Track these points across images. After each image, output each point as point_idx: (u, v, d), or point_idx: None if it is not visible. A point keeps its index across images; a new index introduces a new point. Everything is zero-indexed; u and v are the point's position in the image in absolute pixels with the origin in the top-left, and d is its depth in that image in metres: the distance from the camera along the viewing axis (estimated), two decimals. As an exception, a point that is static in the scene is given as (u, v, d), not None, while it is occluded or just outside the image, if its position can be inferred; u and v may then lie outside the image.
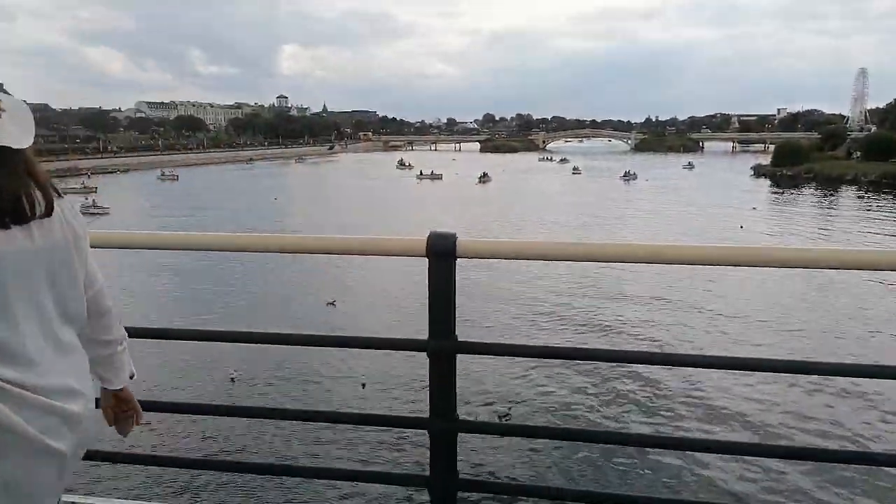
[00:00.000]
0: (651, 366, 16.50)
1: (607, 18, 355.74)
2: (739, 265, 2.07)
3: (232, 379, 16.75)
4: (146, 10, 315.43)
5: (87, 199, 56.92)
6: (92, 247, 1.56)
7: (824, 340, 20.09)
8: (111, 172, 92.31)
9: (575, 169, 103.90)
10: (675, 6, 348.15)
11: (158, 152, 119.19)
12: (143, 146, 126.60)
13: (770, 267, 1.99)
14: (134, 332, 1.82)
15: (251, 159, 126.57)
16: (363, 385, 22.50)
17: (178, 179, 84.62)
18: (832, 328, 21.22)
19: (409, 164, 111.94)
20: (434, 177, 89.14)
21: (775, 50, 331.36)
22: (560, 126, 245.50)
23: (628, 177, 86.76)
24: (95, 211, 52.85)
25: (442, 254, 1.95)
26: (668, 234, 41.92)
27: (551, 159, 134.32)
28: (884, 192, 66.10)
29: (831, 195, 67.58)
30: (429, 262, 1.97)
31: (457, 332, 2.05)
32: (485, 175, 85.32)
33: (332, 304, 23.75)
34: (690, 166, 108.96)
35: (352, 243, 2.26)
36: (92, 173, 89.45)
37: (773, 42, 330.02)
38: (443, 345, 2.01)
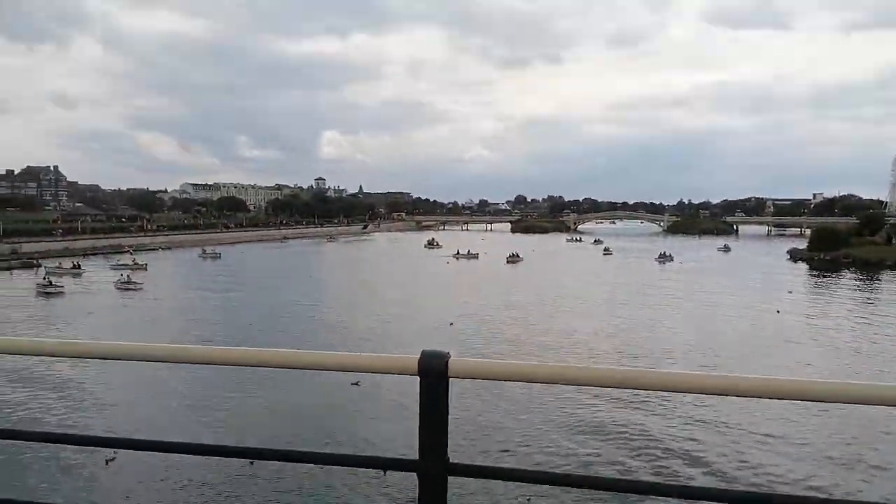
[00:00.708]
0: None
1: (639, 106, 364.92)
2: (756, 397, 1.83)
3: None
4: (197, 99, 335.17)
5: (122, 275, 58.35)
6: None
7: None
8: (153, 250, 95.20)
9: (606, 250, 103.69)
10: (704, 96, 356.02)
11: (199, 231, 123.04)
12: (184, 225, 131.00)
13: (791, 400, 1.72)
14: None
15: (285, 237, 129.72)
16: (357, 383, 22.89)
17: (220, 257, 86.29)
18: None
19: (438, 244, 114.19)
20: (470, 256, 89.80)
21: (809, 137, 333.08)
22: (592, 208, 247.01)
23: (664, 258, 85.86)
24: (129, 286, 54.39)
25: (434, 374, 1.90)
26: (702, 320, 41.00)
27: (580, 240, 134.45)
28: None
29: (871, 281, 65.71)
30: (420, 381, 1.92)
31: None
32: (515, 255, 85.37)
33: (357, 384, 23.66)
34: (726, 249, 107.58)
35: (343, 360, 2.23)
36: (134, 250, 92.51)
37: (808, 129, 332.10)
38: (433, 467, 1.93)
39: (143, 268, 67.58)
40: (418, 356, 1.91)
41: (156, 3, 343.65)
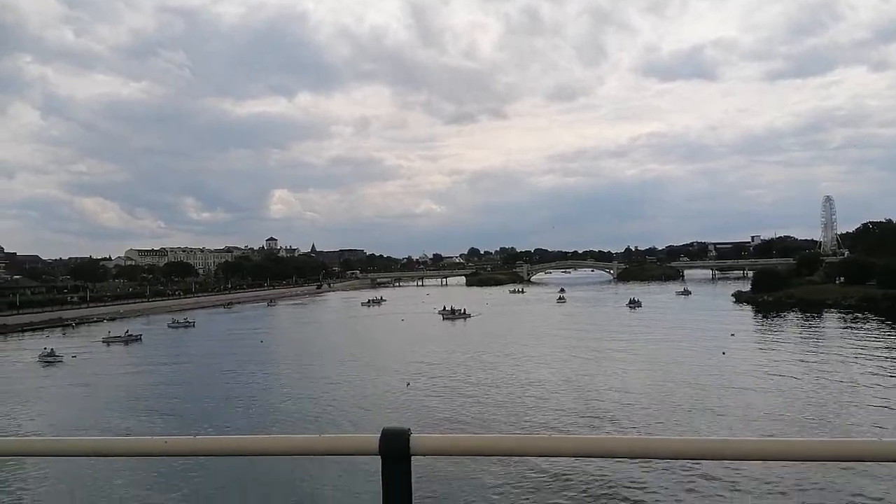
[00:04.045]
0: None
1: (581, 157, 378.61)
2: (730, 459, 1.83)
3: None
4: (140, 163, 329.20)
5: (45, 349, 55.32)
6: None
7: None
8: (96, 322, 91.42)
9: (561, 298, 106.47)
10: (642, 146, 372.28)
11: (146, 299, 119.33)
12: (130, 293, 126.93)
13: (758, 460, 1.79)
14: None
15: (230, 303, 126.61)
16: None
17: (193, 326, 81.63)
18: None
19: (381, 300, 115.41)
20: (459, 315, 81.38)
21: (744, 182, 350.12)
22: (543, 258, 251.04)
23: (633, 304, 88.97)
24: (51, 360, 52.32)
25: (395, 452, 1.86)
26: (667, 364, 41.53)
27: (522, 291, 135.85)
28: (865, 315, 66.86)
29: (815, 319, 68.14)
30: (381, 461, 1.87)
31: None
32: (457, 311, 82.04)
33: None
34: (686, 293, 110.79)
35: (298, 443, 2.13)
36: (77, 323, 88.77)
37: (742, 174, 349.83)
38: None
39: (139, 339, 66.85)
40: (378, 434, 1.87)
41: (93, 67, 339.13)
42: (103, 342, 65.44)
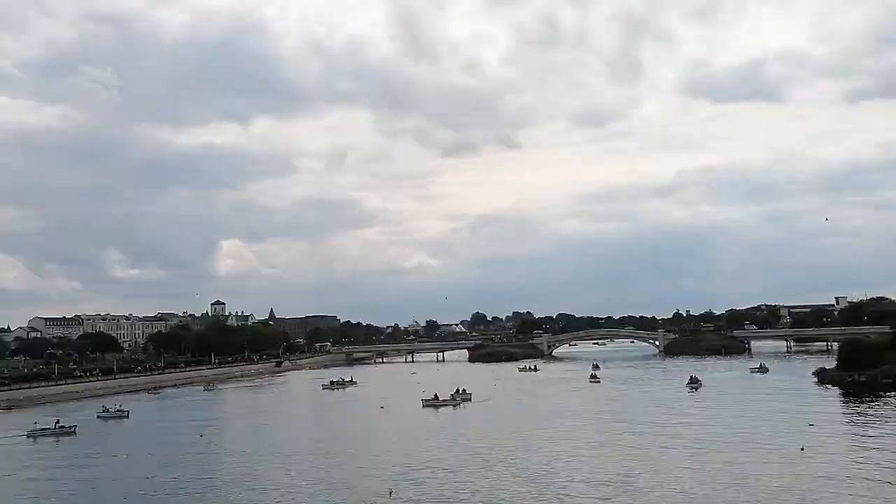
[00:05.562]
0: None
1: (614, 198, 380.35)
2: None
3: None
4: (52, 208, 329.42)
5: None
6: None
7: None
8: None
9: (594, 377, 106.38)
10: (691, 182, 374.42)
11: (53, 382, 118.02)
12: (32, 375, 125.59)
13: None
14: None
15: (157, 387, 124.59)
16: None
17: (127, 416, 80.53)
18: None
19: (348, 380, 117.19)
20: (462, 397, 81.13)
21: (823, 228, 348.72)
22: (568, 326, 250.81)
23: (693, 384, 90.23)
24: None
25: None
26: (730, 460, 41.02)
27: (535, 369, 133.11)
28: None
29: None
30: None
31: None
32: (439, 398, 79.43)
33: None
34: (763, 370, 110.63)
35: None
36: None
37: (820, 219, 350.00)
38: None
39: (73, 432, 66.53)
40: None
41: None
42: (28, 437, 65.13)
